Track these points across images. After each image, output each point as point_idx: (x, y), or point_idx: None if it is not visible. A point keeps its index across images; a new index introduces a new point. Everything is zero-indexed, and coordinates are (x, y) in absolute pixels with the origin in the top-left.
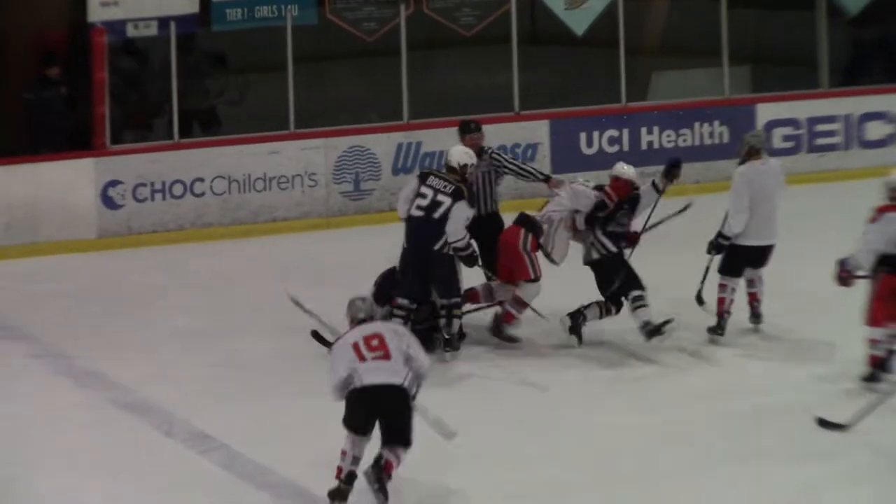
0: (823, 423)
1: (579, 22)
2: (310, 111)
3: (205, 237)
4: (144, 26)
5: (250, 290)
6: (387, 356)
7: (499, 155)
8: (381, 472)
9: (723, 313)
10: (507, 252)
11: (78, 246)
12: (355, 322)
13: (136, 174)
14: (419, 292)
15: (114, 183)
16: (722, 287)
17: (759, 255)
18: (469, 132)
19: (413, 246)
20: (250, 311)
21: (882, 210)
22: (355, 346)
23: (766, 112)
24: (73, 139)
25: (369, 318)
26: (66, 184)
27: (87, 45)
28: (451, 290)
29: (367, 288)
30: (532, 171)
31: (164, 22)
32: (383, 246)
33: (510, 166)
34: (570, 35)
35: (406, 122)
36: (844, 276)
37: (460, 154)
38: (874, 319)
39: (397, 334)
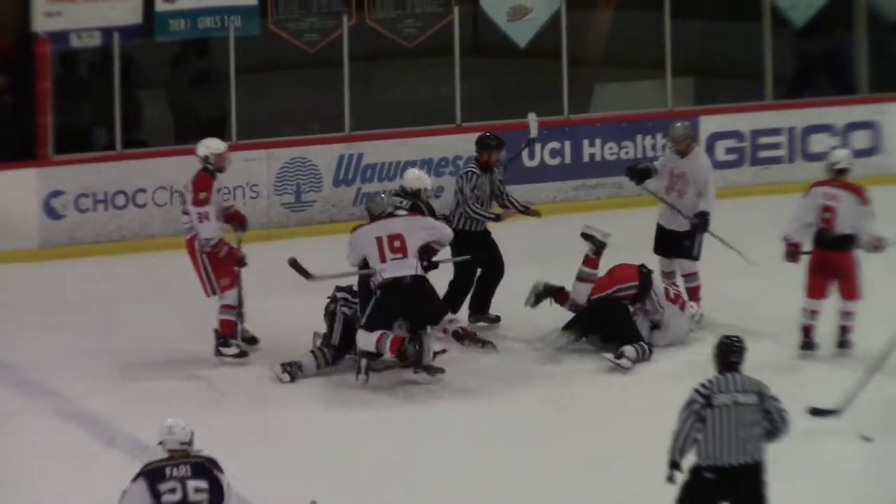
0: (815, 412)
1: (522, 33)
2: (252, 122)
3: (147, 248)
4: (88, 36)
5: (192, 300)
6: (405, 254)
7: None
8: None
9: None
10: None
11: (20, 256)
12: (379, 216)
13: (78, 185)
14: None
15: (56, 193)
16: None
17: None
18: (488, 149)
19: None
20: (191, 322)
21: (814, 185)
22: (378, 242)
23: (709, 124)
24: (19, 149)
25: (390, 214)
26: (8, 194)
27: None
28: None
29: (305, 301)
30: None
31: (107, 32)
32: (324, 258)
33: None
34: (513, 46)
35: (348, 133)
36: (790, 250)
37: (413, 179)
38: (806, 290)
39: (414, 230)
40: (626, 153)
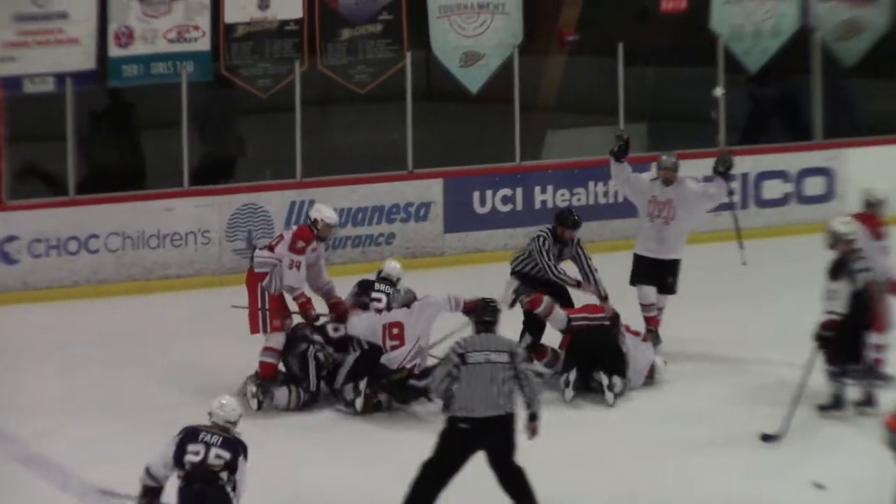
0: (766, 438)
1: (474, 79)
2: (205, 168)
3: (100, 293)
4: (41, 82)
5: (144, 346)
6: (402, 342)
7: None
8: None
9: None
10: None
11: None
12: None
13: (32, 230)
14: None
15: (10, 238)
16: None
17: None
18: (567, 226)
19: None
20: (144, 367)
21: None
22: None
23: None
24: None
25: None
26: None
27: None
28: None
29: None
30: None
31: (60, 78)
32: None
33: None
34: (465, 92)
35: (299, 179)
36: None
37: (393, 269)
38: None
39: (413, 317)
40: (579, 200)
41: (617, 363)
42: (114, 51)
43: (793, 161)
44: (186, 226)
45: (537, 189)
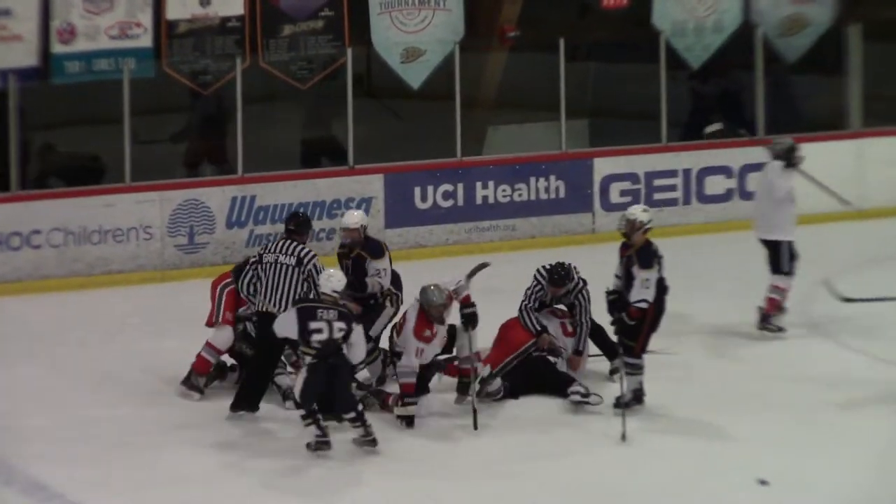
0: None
1: (415, 75)
2: (146, 164)
3: (42, 289)
4: None
5: (87, 341)
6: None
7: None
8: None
9: None
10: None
11: None
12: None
13: None
14: None
15: None
16: None
17: None
18: (552, 284)
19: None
20: (87, 363)
21: None
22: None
23: (603, 166)
24: None
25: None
26: None
27: None
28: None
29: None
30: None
31: (3, 74)
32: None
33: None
34: (407, 88)
35: (240, 175)
36: None
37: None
38: None
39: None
40: (520, 195)
41: (558, 380)
42: (57, 47)
43: (735, 157)
44: (128, 221)
45: (478, 185)
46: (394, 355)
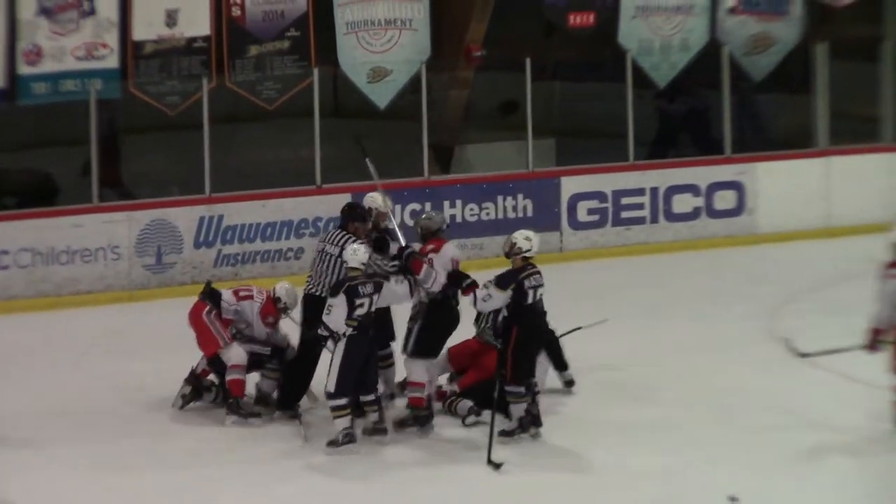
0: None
1: (382, 95)
2: (112, 185)
3: (10, 309)
4: None
5: (55, 362)
6: None
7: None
8: None
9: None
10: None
11: None
12: (440, 234)
13: None
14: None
15: None
16: None
17: None
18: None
19: None
20: (56, 382)
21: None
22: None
23: (570, 185)
24: None
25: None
26: None
27: None
28: None
29: (166, 362)
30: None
31: None
32: (184, 319)
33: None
34: (373, 108)
35: (208, 195)
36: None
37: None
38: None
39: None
40: (487, 214)
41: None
42: (23, 69)
43: (703, 175)
44: (96, 241)
45: (446, 203)
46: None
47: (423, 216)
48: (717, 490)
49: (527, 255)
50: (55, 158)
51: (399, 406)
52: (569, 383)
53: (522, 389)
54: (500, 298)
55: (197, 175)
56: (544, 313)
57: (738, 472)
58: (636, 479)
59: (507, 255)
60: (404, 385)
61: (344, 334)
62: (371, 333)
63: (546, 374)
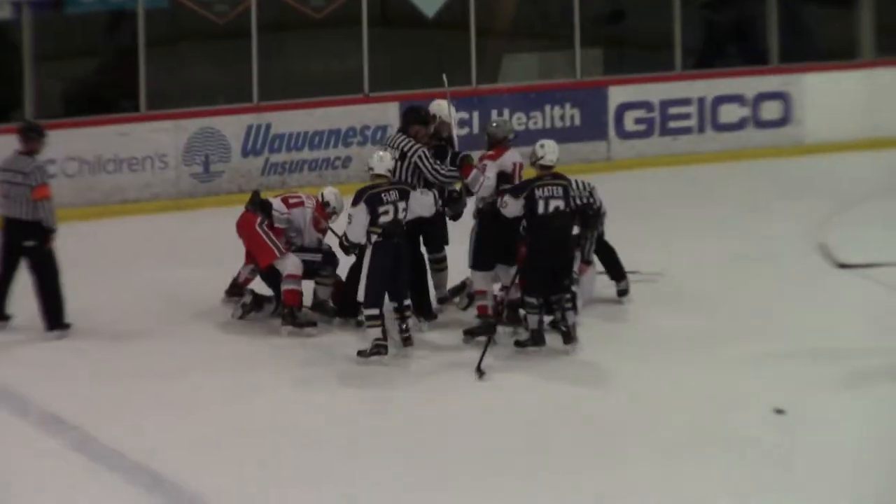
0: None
1: (430, 4)
2: (160, 93)
3: (58, 218)
4: None
5: (102, 270)
6: None
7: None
8: None
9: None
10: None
11: None
12: (505, 142)
13: None
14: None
15: None
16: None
17: None
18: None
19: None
20: (102, 292)
21: None
22: (514, 167)
23: (618, 94)
24: None
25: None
26: None
27: None
28: None
29: (214, 271)
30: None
31: (16, 5)
32: (232, 228)
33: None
34: (421, 17)
35: (256, 104)
36: None
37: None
38: None
39: None
40: (535, 123)
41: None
42: None
43: (749, 85)
44: (143, 150)
45: (494, 112)
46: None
47: (493, 122)
48: (761, 404)
49: (543, 163)
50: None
51: (453, 311)
52: (621, 293)
53: (534, 301)
54: (515, 206)
55: (245, 84)
56: (564, 226)
57: (784, 386)
58: (681, 392)
59: (532, 164)
60: (472, 295)
61: (369, 242)
62: (396, 241)
63: (592, 286)
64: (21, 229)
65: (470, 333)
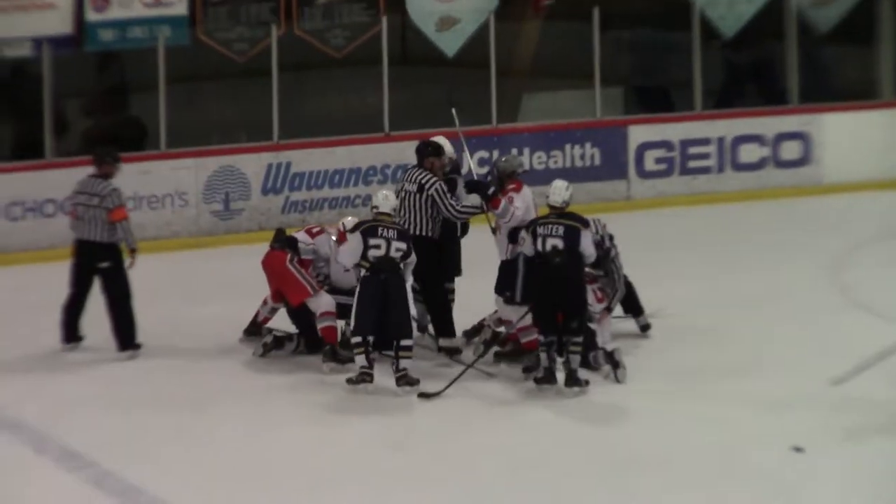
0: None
1: (450, 43)
2: (181, 131)
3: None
4: (19, 46)
5: None
6: None
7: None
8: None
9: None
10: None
11: None
12: (515, 176)
13: (9, 193)
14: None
15: None
16: None
17: None
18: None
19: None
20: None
21: None
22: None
23: (638, 134)
24: None
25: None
26: None
27: None
28: None
29: (232, 308)
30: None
31: (37, 42)
32: (252, 266)
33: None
34: (441, 56)
35: (276, 142)
36: None
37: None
38: None
39: None
40: (555, 162)
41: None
42: (91, 15)
43: (769, 125)
44: (164, 188)
45: (514, 151)
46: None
47: (502, 159)
48: (778, 439)
49: (549, 202)
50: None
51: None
52: (644, 328)
53: (542, 338)
54: (528, 242)
55: (265, 122)
56: (560, 266)
57: (801, 422)
58: (695, 428)
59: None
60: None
61: (359, 276)
62: (384, 276)
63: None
64: (95, 251)
65: (527, 370)
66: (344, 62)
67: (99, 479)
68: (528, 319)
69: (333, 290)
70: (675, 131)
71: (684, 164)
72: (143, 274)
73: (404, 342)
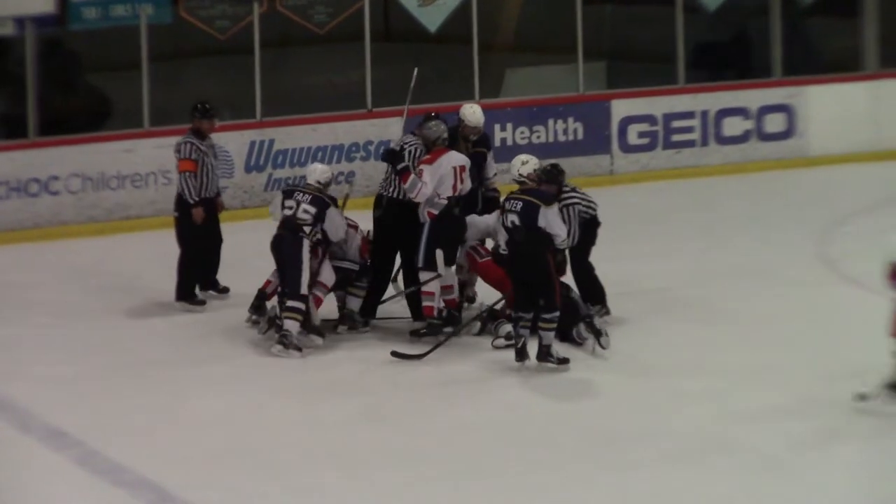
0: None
1: (432, 19)
2: (164, 109)
3: (61, 235)
4: (1, 25)
5: (108, 287)
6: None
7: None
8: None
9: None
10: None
11: None
12: (439, 143)
13: None
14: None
15: None
16: None
17: None
18: None
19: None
20: (108, 308)
21: None
22: (454, 171)
23: (621, 108)
24: None
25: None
26: None
27: None
28: None
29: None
30: None
31: (20, 21)
32: (236, 242)
33: None
34: (424, 32)
35: (259, 119)
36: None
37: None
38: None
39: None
40: (538, 137)
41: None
42: None
43: (753, 98)
44: (147, 167)
45: (496, 127)
46: None
47: (427, 125)
48: (764, 413)
49: (513, 177)
50: (105, 83)
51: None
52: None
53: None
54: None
55: (247, 100)
56: (519, 242)
57: (788, 395)
58: (682, 401)
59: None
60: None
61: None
62: (277, 233)
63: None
64: (175, 200)
65: (415, 334)
66: (326, 39)
67: (85, 458)
68: (435, 284)
69: (342, 258)
70: (658, 105)
71: (668, 138)
72: (126, 253)
73: (290, 303)
